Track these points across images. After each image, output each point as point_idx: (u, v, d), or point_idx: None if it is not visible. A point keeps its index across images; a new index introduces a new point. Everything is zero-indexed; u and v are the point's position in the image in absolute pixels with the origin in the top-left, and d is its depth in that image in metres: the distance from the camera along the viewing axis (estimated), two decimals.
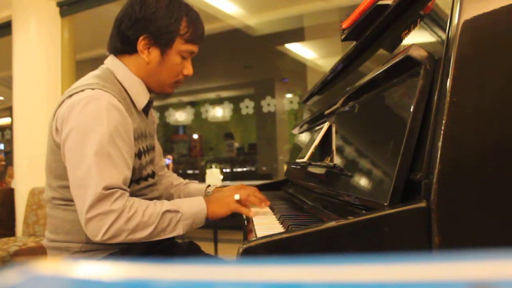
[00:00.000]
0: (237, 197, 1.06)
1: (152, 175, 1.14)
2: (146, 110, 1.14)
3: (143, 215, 0.94)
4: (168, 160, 5.22)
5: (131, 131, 1.00)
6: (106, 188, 0.91)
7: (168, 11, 1.03)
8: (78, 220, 0.99)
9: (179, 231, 0.97)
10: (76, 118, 0.94)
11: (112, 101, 0.96)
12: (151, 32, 1.03)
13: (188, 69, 1.10)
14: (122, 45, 1.06)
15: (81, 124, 0.94)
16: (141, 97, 1.08)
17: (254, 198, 1.08)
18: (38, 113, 3.24)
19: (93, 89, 0.96)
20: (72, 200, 0.99)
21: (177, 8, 1.04)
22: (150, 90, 1.11)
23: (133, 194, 1.01)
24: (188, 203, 1.01)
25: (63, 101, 0.99)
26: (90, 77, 1.03)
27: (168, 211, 0.97)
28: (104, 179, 0.91)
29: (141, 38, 1.03)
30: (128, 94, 1.06)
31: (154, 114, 1.27)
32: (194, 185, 1.35)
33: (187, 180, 1.38)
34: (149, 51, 1.05)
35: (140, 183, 1.07)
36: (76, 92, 0.97)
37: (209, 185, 1.32)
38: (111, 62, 1.08)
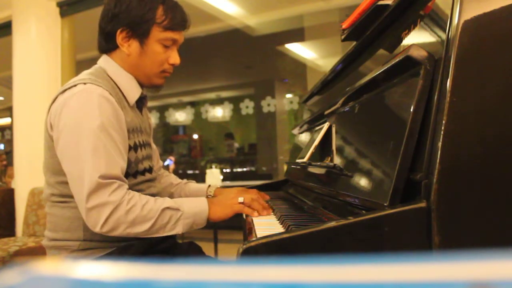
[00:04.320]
0: (241, 199, 1.06)
1: (150, 170, 1.14)
2: (139, 106, 1.15)
3: (142, 209, 0.94)
4: (170, 161, 5.22)
5: (123, 123, 1.01)
6: (103, 177, 0.92)
7: (141, 1, 1.04)
8: (76, 217, 1.00)
9: (178, 229, 0.97)
10: (69, 112, 0.96)
11: (103, 94, 0.98)
12: (127, 24, 1.04)
13: (174, 58, 1.09)
14: (106, 42, 1.09)
15: (74, 118, 0.95)
16: (132, 92, 1.09)
17: (258, 204, 1.07)
18: (38, 113, 3.24)
19: (85, 83, 0.98)
20: (70, 196, 1.00)
21: None
22: (141, 84, 1.12)
23: (130, 189, 1.01)
24: (190, 203, 1.01)
25: (56, 97, 1.01)
26: (83, 74, 1.05)
27: (168, 208, 0.97)
28: (99, 168, 0.92)
29: (118, 31, 1.05)
30: (120, 90, 1.07)
31: (150, 116, 1.28)
32: (195, 185, 1.36)
33: (185, 180, 1.38)
34: (128, 44, 1.06)
35: (137, 177, 1.07)
36: (69, 88, 0.99)
37: (209, 185, 1.32)
38: (103, 61, 1.11)
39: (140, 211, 0.93)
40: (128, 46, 1.06)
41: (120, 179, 0.96)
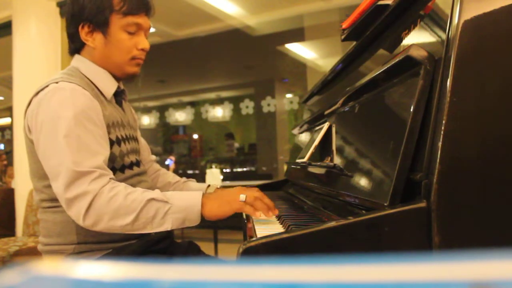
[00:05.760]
0: (242, 197, 0.93)
1: (137, 163, 1.13)
2: (119, 101, 1.15)
3: (126, 199, 0.88)
4: (170, 161, 5.21)
5: (101, 114, 1.01)
6: (80, 166, 0.90)
7: None
8: (68, 221, 0.99)
9: (167, 225, 0.89)
10: (44, 111, 0.96)
11: (76, 88, 0.98)
12: (86, 18, 1.04)
13: (143, 43, 1.08)
14: (73, 43, 1.10)
15: (49, 116, 0.95)
16: (107, 86, 1.09)
17: (262, 204, 0.94)
18: None
19: (57, 82, 0.99)
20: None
21: None
22: (116, 78, 1.11)
23: None
24: (181, 196, 0.93)
25: (31, 100, 1.02)
26: (55, 75, 1.06)
27: (154, 199, 0.89)
28: (75, 159, 0.90)
29: (80, 28, 1.06)
30: (95, 86, 1.07)
31: (133, 111, 1.27)
32: (194, 184, 1.33)
33: (185, 179, 1.35)
34: (93, 37, 1.06)
35: (124, 171, 1.06)
36: (42, 89, 1.00)
37: (209, 185, 1.28)
38: (75, 60, 1.11)
39: (123, 201, 0.88)
40: (93, 40, 1.06)
41: (102, 168, 0.92)
